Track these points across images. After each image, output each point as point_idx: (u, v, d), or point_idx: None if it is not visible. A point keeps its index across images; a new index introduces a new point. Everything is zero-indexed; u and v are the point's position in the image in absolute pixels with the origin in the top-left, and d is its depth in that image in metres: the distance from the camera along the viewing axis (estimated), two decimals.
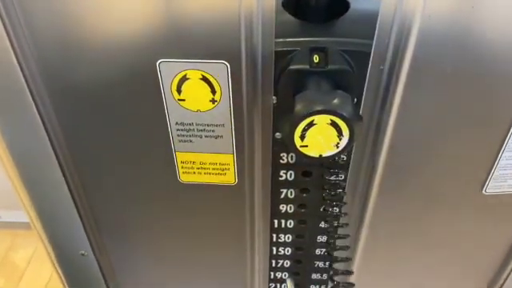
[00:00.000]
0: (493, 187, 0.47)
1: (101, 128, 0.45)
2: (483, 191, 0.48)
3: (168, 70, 0.39)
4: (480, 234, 0.54)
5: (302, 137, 0.36)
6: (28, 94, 0.42)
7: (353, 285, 0.39)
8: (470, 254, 0.57)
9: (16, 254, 1.47)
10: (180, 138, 0.44)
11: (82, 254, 0.58)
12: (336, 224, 0.51)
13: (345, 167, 0.47)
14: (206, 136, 0.44)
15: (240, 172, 0.47)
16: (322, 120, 0.35)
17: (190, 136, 0.44)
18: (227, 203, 0.50)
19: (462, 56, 0.37)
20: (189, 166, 0.47)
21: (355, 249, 0.54)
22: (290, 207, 0.51)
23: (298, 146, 0.37)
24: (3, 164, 0.48)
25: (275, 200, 0.51)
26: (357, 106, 0.41)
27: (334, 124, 0.35)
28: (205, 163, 0.46)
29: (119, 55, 0.39)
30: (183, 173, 0.47)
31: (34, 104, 0.43)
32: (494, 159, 0.45)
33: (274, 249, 0.56)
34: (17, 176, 0.49)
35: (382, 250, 0.56)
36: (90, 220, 0.54)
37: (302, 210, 0.51)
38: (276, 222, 0.53)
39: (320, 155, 0.37)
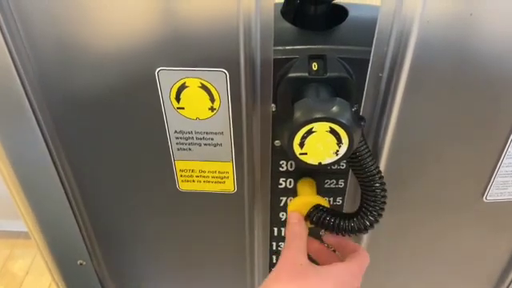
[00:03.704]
0: (493, 194, 0.47)
1: (99, 137, 0.45)
2: (484, 198, 0.48)
3: (167, 78, 0.39)
4: (481, 241, 0.53)
5: (301, 144, 0.36)
6: (27, 103, 0.42)
7: None
8: (472, 260, 0.56)
9: (15, 263, 1.46)
10: (179, 147, 0.44)
11: (81, 264, 0.57)
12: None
13: (344, 174, 0.47)
14: (205, 144, 0.44)
15: (239, 180, 0.47)
16: (321, 127, 0.35)
17: (189, 144, 0.44)
18: (226, 211, 0.50)
19: (461, 63, 0.37)
20: (188, 174, 0.46)
21: None
22: None
23: (297, 154, 0.37)
24: (2, 174, 0.48)
25: (275, 208, 0.50)
26: (356, 113, 0.41)
27: (333, 131, 0.35)
28: (204, 171, 0.46)
29: (118, 64, 0.39)
30: (182, 181, 0.47)
31: (32, 114, 0.43)
32: (495, 166, 0.45)
33: (274, 257, 0.56)
34: (16, 186, 0.49)
35: (382, 256, 0.55)
36: (89, 230, 0.54)
37: None
38: (276, 229, 0.53)
39: (319, 163, 0.37)
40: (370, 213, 0.38)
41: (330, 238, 0.45)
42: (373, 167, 0.38)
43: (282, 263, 0.39)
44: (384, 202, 0.38)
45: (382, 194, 0.38)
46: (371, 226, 0.38)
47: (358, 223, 0.39)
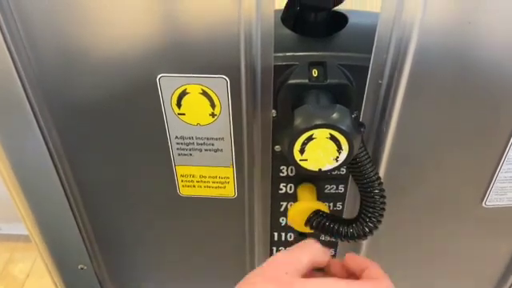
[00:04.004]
0: (493, 200, 0.47)
1: (100, 141, 0.45)
2: (483, 204, 0.48)
3: (168, 85, 0.39)
4: (481, 246, 0.53)
5: (302, 150, 0.36)
6: (29, 107, 0.42)
7: None
8: (471, 266, 0.56)
9: (15, 266, 1.46)
10: (180, 152, 0.44)
11: (81, 268, 0.57)
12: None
13: (344, 180, 0.47)
14: (205, 150, 0.44)
15: (240, 185, 0.47)
16: (322, 134, 0.35)
17: (190, 150, 0.44)
18: (227, 216, 0.50)
19: (461, 70, 0.38)
20: (188, 179, 0.47)
21: None
22: None
23: (297, 160, 0.37)
24: (3, 177, 0.48)
25: (275, 213, 0.50)
26: (356, 119, 0.41)
27: (333, 138, 0.35)
28: (204, 176, 0.46)
29: (120, 70, 0.39)
30: (183, 186, 0.47)
31: (33, 117, 0.43)
32: (494, 172, 0.45)
33: None
34: (16, 188, 0.49)
35: (382, 262, 0.55)
36: (90, 234, 0.54)
37: None
38: (276, 234, 0.53)
39: (319, 169, 0.38)
40: (369, 219, 0.38)
41: (350, 261, 0.40)
42: (372, 173, 0.38)
43: (273, 262, 0.36)
44: (383, 209, 0.38)
45: (381, 200, 0.38)
46: (370, 232, 0.39)
47: (357, 229, 0.39)
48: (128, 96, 0.41)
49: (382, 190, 0.38)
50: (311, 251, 0.37)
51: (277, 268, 0.36)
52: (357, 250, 0.53)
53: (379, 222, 0.38)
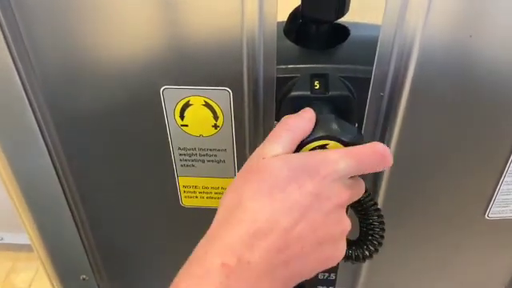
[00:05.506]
0: (495, 212, 0.47)
1: (104, 152, 0.45)
2: (486, 216, 0.48)
3: (171, 97, 0.40)
4: (483, 259, 0.53)
5: None
6: (32, 117, 0.42)
7: None
8: (474, 278, 0.56)
9: (17, 276, 1.46)
10: (182, 163, 0.44)
11: (83, 279, 0.57)
12: None
13: None
14: (208, 161, 0.44)
15: None
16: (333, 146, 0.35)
17: (193, 161, 0.44)
18: None
19: (462, 82, 0.38)
20: (191, 190, 0.47)
21: (358, 273, 0.54)
22: None
23: None
24: (6, 186, 0.48)
25: None
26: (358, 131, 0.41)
27: None
28: (207, 187, 0.46)
29: (124, 82, 0.39)
30: (185, 197, 0.48)
31: (38, 127, 0.43)
32: (496, 184, 0.45)
33: None
34: (19, 198, 0.49)
35: (384, 275, 0.55)
36: (92, 244, 0.54)
37: None
38: None
39: None
40: (370, 242, 0.38)
41: None
42: (370, 201, 0.38)
43: (248, 159, 0.33)
44: (383, 229, 0.38)
45: (381, 226, 0.38)
46: (371, 255, 0.38)
47: (356, 252, 0.38)
48: (131, 107, 0.41)
49: (380, 217, 0.38)
50: (284, 135, 0.34)
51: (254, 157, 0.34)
52: (358, 265, 0.53)
53: (380, 244, 0.38)
